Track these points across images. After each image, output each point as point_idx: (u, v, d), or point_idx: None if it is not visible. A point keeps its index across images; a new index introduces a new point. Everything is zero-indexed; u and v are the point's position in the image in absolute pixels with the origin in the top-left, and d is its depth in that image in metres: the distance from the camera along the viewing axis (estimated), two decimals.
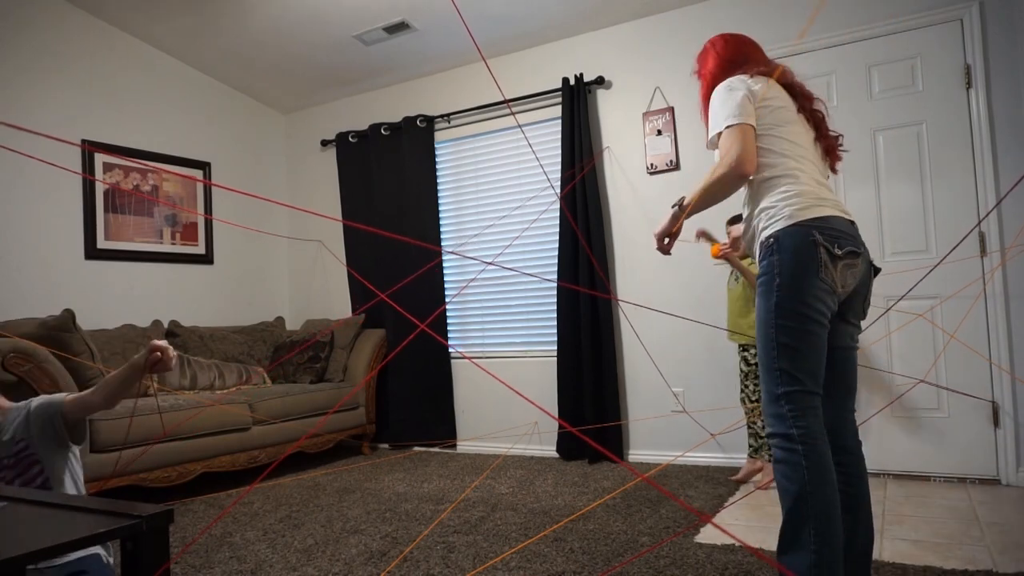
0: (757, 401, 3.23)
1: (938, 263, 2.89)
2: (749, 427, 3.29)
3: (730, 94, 1.79)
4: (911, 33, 3.28)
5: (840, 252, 1.64)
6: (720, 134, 1.79)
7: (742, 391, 3.30)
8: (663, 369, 3.78)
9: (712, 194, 1.78)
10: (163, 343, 1.79)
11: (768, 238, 1.70)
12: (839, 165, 1.95)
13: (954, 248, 2.90)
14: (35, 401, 1.87)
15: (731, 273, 3.33)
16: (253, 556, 2.52)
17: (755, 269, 3.20)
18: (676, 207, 1.88)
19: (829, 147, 1.90)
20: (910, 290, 2.88)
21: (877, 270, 1.79)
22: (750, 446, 3.29)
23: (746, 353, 3.26)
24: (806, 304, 1.62)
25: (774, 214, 1.71)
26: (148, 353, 1.78)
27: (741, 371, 3.30)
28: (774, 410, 1.64)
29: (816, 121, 1.88)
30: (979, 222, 3.09)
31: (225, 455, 3.54)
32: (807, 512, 1.55)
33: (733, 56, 1.95)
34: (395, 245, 4.53)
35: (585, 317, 3.92)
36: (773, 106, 1.81)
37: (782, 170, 1.74)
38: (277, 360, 4.47)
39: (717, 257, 3.24)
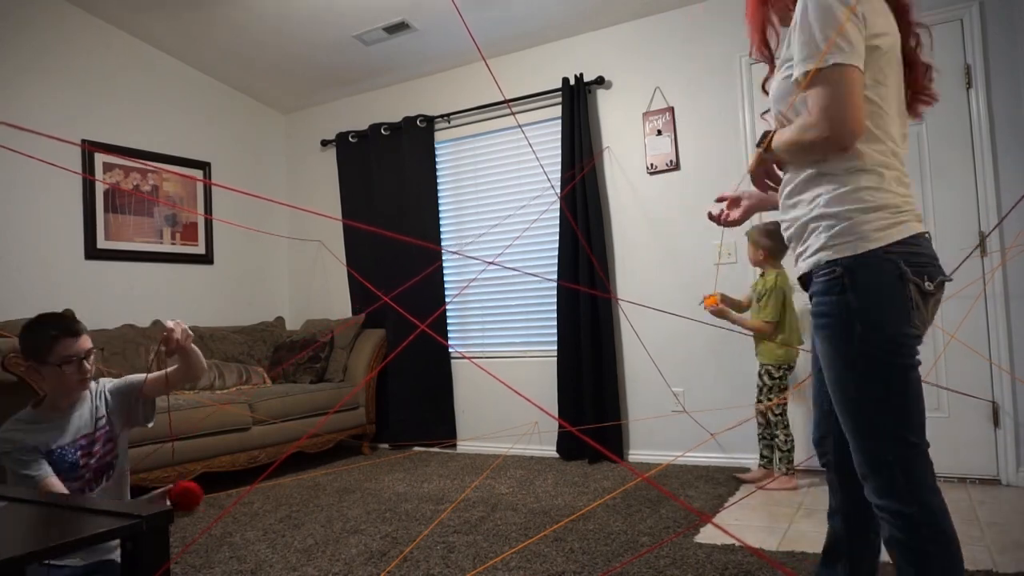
0: (782, 415, 3.21)
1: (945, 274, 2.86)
2: (765, 438, 3.27)
3: (840, 7, 1.22)
4: None
5: (931, 287, 1.27)
6: (818, 72, 1.23)
7: (760, 401, 3.27)
8: (663, 369, 3.78)
9: (795, 157, 1.36)
10: (170, 324, 1.84)
11: (833, 266, 1.28)
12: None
13: (959, 266, 2.89)
14: (107, 382, 1.98)
15: (756, 290, 3.30)
16: (253, 556, 2.52)
17: (770, 278, 3.19)
18: (759, 147, 1.44)
19: (916, 90, 1.39)
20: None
21: None
22: (763, 456, 3.28)
23: (770, 367, 3.24)
24: (899, 354, 1.26)
25: (844, 230, 1.27)
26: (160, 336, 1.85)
27: (764, 384, 3.25)
28: (884, 479, 1.29)
29: (911, 61, 1.36)
30: (982, 240, 3.08)
31: (225, 455, 3.54)
32: None
33: None
34: (395, 245, 4.52)
35: (585, 317, 3.92)
36: (882, 49, 1.27)
37: (865, 161, 1.27)
38: (282, 364, 4.46)
39: (710, 308, 3.21)
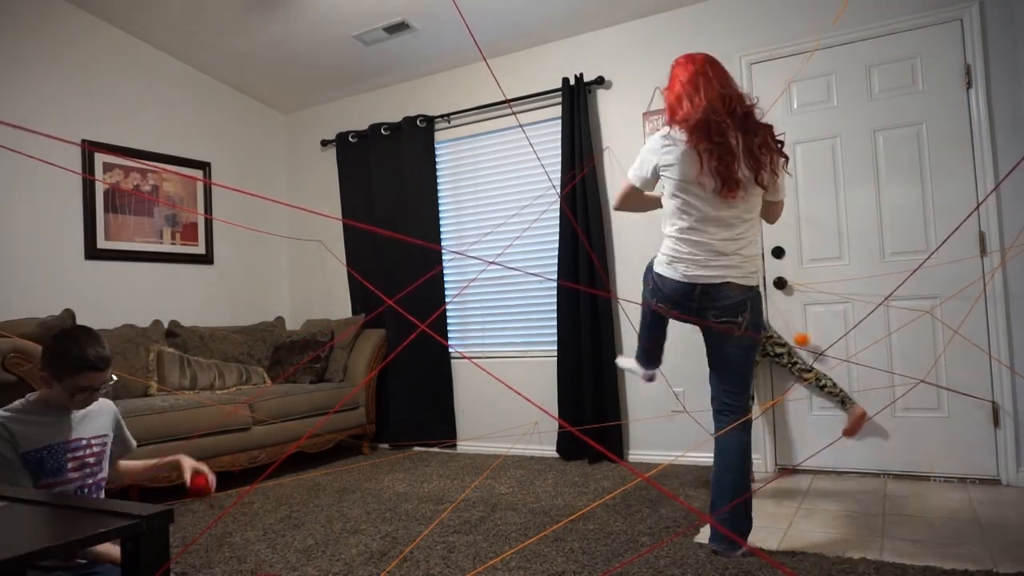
0: (810, 369, 3.37)
1: (932, 252, 2.87)
2: (825, 389, 3.35)
3: (643, 155, 2.39)
4: (911, 33, 3.27)
5: (654, 300, 2.49)
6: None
7: (795, 371, 3.44)
8: (663, 369, 3.77)
9: None
10: (200, 467, 1.96)
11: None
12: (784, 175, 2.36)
13: (948, 236, 2.89)
14: (115, 407, 2.00)
15: None
16: (253, 556, 2.52)
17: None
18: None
19: (754, 168, 2.23)
20: (901, 284, 2.88)
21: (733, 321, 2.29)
22: (841, 402, 3.35)
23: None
24: (648, 309, 2.61)
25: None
26: (191, 475, 1.93)
27: (784, 360, 3.47)
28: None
29: (723, 157, 2.20)
30: (975, 208, 3.08)
31: (225, 455, 3.54)
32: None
33: (681, 93, 2.32)
34: (395, 245, 4.52)
35: (585, 317, 3.92)
36: (667, 177, 2.32)
37: (665, 231, 2.39)
38: (283, 366, 4.46)
39: (804, 346, 3.44)
